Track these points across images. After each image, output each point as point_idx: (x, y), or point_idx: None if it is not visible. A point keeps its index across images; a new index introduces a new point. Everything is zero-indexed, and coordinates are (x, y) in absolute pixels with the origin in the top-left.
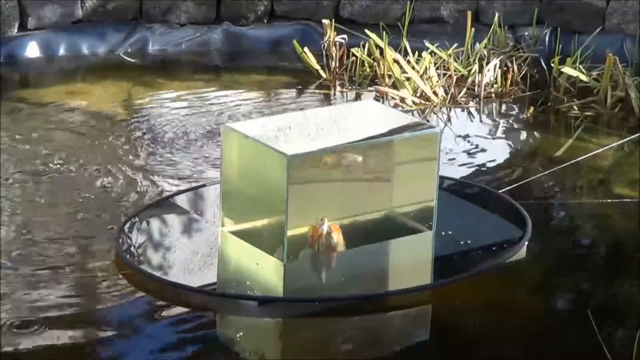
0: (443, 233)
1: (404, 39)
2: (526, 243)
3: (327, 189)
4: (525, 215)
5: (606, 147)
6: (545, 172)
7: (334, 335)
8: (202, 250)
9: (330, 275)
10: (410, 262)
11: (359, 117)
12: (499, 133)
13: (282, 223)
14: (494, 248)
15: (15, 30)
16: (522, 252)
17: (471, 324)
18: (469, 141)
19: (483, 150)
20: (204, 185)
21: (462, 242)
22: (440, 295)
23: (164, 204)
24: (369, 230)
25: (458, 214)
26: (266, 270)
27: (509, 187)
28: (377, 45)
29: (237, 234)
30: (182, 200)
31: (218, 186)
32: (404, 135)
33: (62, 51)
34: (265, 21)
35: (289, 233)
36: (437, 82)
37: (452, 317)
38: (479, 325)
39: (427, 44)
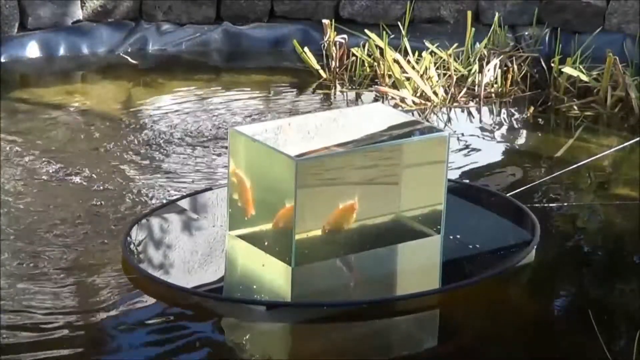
0: (451, 237)
1: (404, 39)
2: (535, 246)
3: (335, 192)
4: (533, 218)
5: (612, 149)
6: (553, 175)
7: (341, 340)
8: (208, 253)
9: (338, 280)
10: (418, 266)
11: (366, 121)
12: (499, 133)
13: (290, 227)
14: (502, 252)
15: (15, 30)
16: (530, 256)
17: (479, 328)
18: (469, 141)
19: (483, 150)
20: (210, 189)
21: (470, 246)
22: (448, 300)
23: (169, 207)
24: (376, 234)
25: (466, 217)
26: (274, 275)
27: (516, 190)
28: (377, 45)
29: (244, 237)
30: (188, 204)
31: (224, 189)
32: (412, 139)
33: (62, 51)
34: (265, 21)
35: (297, 237)
36: (437, 82)
37: (460, 321)
38: (486, 329)
39: (427, 44)
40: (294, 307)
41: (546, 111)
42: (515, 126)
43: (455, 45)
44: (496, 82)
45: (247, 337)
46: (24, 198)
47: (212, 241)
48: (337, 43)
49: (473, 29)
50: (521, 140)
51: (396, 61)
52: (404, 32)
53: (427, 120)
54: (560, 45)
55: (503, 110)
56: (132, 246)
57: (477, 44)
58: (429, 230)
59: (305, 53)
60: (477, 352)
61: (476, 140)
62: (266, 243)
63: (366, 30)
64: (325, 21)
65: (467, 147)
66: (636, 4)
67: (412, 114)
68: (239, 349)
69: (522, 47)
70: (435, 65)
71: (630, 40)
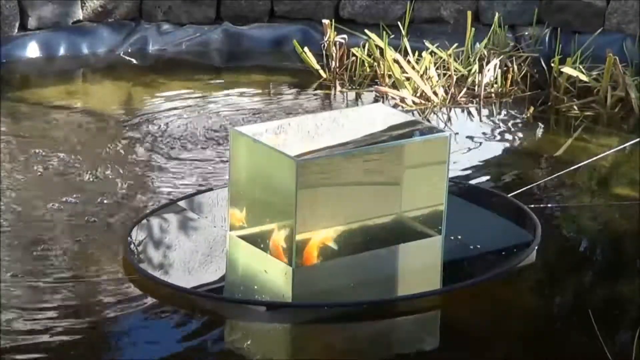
0: (452, 237)
1: (404, 39)
2: (536, 247)
3: (336, 193)
4: (534, 218)
5: (612, 149)
6: (553, 175)
7: (342, 340)
8: (209, 254)
9: (339, 281)
10: (419, 266)
11: (367, 121)
12: (499, 133)
13: (291, 227)
14: (503, 252)
15: (15, 30)
16: (532, 257)
17: (479, 328)
18: (469, 142)
19: (483, 150)
20: (211, 189)
21: (471, 247)
22: (449, 301)
23: (170, 208)
24: (377, 235)
25: (467, 218)
26: (274, 275)
27: (518, 191)
28: (377, 45)
29: (245, 238)
30: (188, 204)
31: (225, 190)
32: (413, 139)
33: (62, 51)
34: (265, 21)
35: (298, 237)
36: (437, 82)
37: (461, 322)
38: (486, 329)
39: (427, 44)
40: (294, 308)
41: (546, 111)
42: (515, 126)
43: (455, 45)
44: (496, 82)
45: (247, 337)
46: (24, 197)
47: (213, 241)
48: (337, 43)
49: (473, 29)
50: (521, 140)
51: (396, 61)
52: (404, 32)
53: (428, 121)
54: (560, 45)
55: (503, 110)
56: (133, 246)
57: (477, 44)
58: (430, 231)
59: (305, 53)
60: (477, 352)
61: (476, 140)
62: (267, 243)
63: (366, 30)
64: (325, 21)
65: (467, 147)
66: (636, 4)
67: (412, 114)
68: (239, 350)
69: (522, 47)
70: (435, 65)
71: (630, 40)
